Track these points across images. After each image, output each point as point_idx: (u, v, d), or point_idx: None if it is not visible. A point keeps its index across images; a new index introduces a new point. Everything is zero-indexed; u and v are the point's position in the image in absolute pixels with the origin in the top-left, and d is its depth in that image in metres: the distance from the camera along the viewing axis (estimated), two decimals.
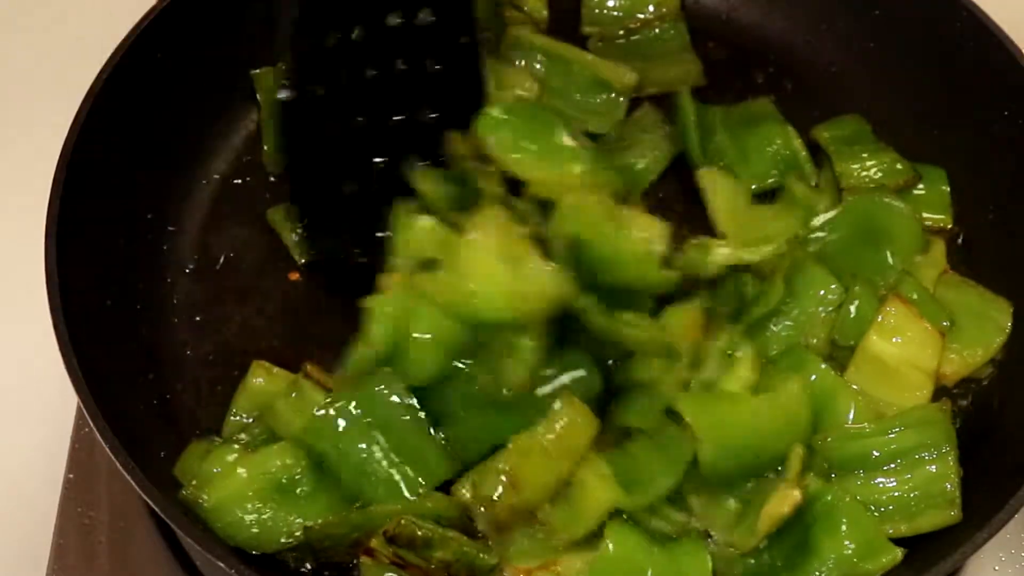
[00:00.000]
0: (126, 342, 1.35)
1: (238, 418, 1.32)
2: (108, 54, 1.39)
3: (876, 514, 1.22)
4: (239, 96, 1.56)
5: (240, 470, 1.23)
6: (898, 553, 1.18)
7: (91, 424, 1.18)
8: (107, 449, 1.17)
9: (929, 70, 1.51)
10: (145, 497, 1.16)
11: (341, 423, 1.23)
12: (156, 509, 1.16)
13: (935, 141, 1.50)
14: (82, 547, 1.33)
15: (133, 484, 1.16)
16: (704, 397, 1.25)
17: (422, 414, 1.24)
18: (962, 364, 1.33)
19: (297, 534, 1.21)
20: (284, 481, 1.24)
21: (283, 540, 1.21)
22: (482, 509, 1.20)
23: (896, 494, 1.23)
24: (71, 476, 1.36)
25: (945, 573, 1.14)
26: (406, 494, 1.22)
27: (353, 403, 1.23)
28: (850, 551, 1.19)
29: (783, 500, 1.18)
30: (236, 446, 1.26)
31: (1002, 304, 1.37)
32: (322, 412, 1.23)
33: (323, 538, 1.21)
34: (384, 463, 1.23)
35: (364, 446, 1.23)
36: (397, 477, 1.23)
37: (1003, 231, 1.42)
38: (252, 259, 1.47)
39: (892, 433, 1.25)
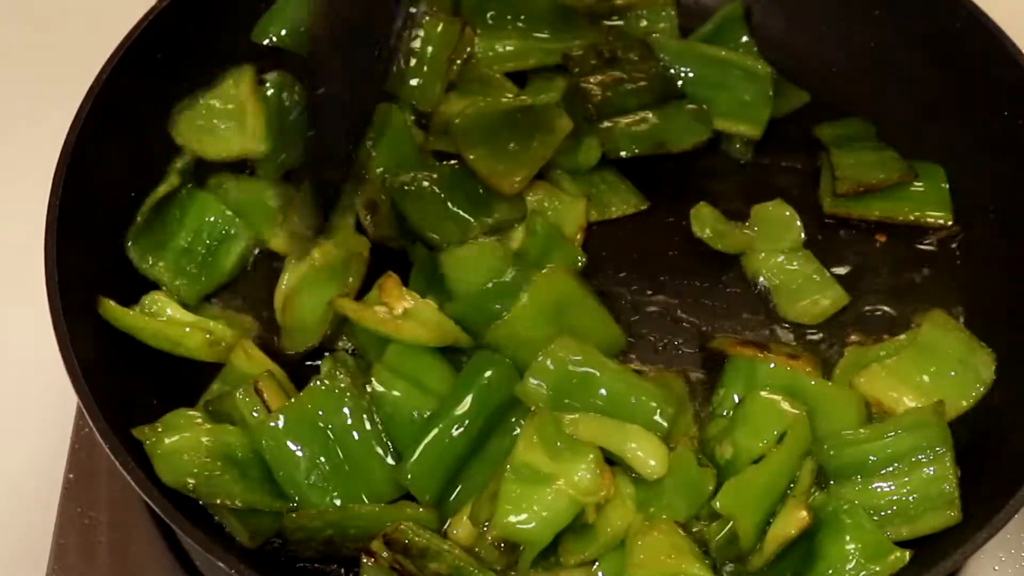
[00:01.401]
0: (126, 342, 1.35)
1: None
2: (108, 54, 1.39)
3: (876, 519, 1.22)
4: None
5: (199, 428, 1.25)
6: (905, 555, 1.18)
7: (91, 424, 1.19)
8: (107, 449, 1.17)
9: (929, 70, 1.51)
10: (145, 497, 1.16)
11: (292, 428, 1.24)
12: (156, 509, 1.16)
13: (935, 140, 1.50)
14: (82, 547, 1.33)
15: (133, 484, 1.16)
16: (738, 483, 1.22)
17: (375, 434, 1.26)
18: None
19: (237, 503, 1.20)
20: (238, 458, 1.24)
21: (219, 500, 1.21)
22: (485, 539, 1.20)
23: (895, 498, 1.23)
24: (71, 476, 1.36)
25: (945, 573, 1.14)
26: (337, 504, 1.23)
27: (307, 411, 1.25)
28: (856, 556, 1.18)
29: (791, 522, 1.18)
30: (202, 414, 1.28)
31: (986, 356, 1.34)
32: (273, 422, 1.24)
33: (296, 529, 1.21)
34: (326, 470, 1.24)
35: (309, 453, 1.24)
36: (332, 487, 1.24)
37: (1003, 231, 1.42)
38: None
39: (888, 437, 1.25)
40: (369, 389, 1.27)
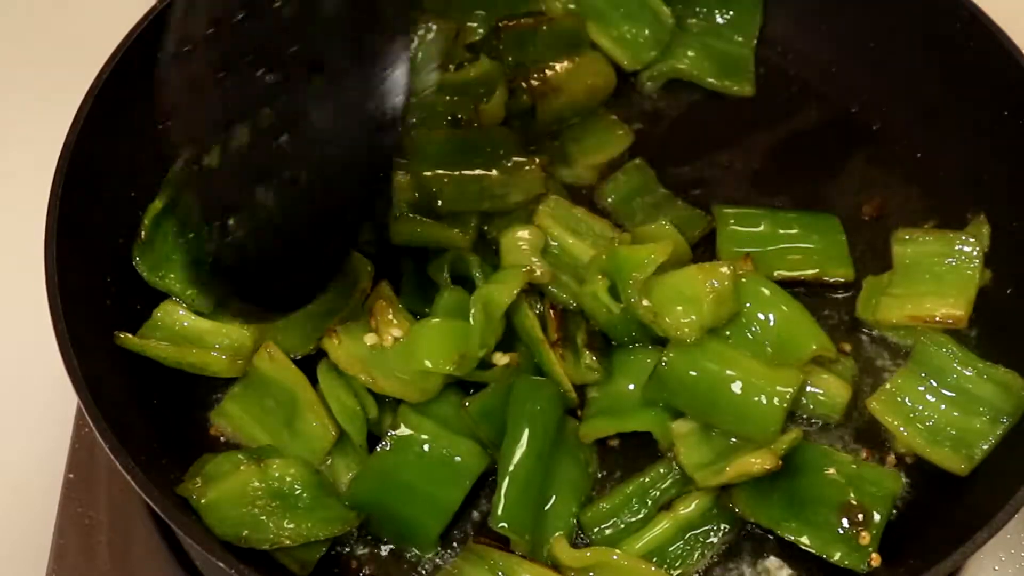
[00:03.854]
0: None
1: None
2: (108, 54, 1.39)
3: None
4: None
5: (243, 471, 1.24)
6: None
7: (91, 424, 1.19)
8: (107, 449, 1.17)
9: (929, 70, 1.51)
10: (145, 497, 1.16)
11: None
12: (156, 509, 1.16)
13: (936, 140, 1.50)
14: (82, 547, 1.33)
15: (133, 484, 1.16)
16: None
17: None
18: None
19: (288, 541, 1.21)
20: (285, 491, 1.24)
21: (272, 538, 1.21)
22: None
23: (938, 416, 1.29)
24: (71, 476, 1.36)
25: (945, 573, 1.14)
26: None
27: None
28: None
29: (758, 461, 1.21)
30: (241, 456, 1.27)
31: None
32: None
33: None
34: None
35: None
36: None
37: (1002, 231, 1.41)
38: None
39: (972, 370, 1.30)
40: (394, 432, 1.27)
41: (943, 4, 1.46)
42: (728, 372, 1.27)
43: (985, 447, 1.27)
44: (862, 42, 1.57)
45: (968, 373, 1.30)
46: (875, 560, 1.23)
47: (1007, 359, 1.33)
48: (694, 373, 1.27)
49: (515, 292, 1.28)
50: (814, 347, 1.29)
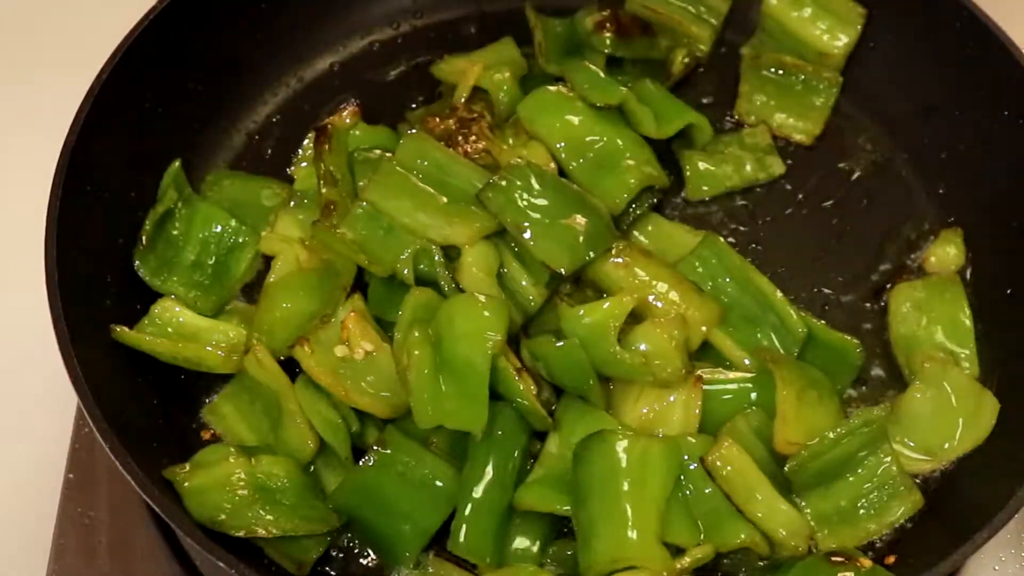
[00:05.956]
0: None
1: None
2: (108, 54, 1.39)
3: (848, 522, 1.25)
4: (238, 96, 1.56)
5: (231, 462, 1.24)
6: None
7: (91, 424, 1.19)
8: (107, 449, 1.18)
9: (929, 70, 1.51)
10: (145, 497, 1.16)
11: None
12: (156, 509, 1.16)
13: (935, 140, 1.50)
14: (82, 547, 1.33)
15: (133, 484, 1.16)
16: None
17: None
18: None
19: (272, 531, 1.20)
20: (270, 486, 1.24)
21: (251, 531, 1.20)
22: None
23: (854, 493, 1.26)
24: (71, 476, 1.36)
25: (945, 573, 1.14)
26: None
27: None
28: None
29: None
30: (233, 449, 1.26)
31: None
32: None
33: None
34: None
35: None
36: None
37: (1002, 232, 1.41)
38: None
39: (842, 443, 1.25)
40: (378, 449, 1.26)
41: (943, 4, 1.46)
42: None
43: (898, 469, 1.26)
44: (861, 42, 1.57)
45: (842, 444, 1.25)
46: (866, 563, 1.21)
47: (1008, 359, 1.34)
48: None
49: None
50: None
